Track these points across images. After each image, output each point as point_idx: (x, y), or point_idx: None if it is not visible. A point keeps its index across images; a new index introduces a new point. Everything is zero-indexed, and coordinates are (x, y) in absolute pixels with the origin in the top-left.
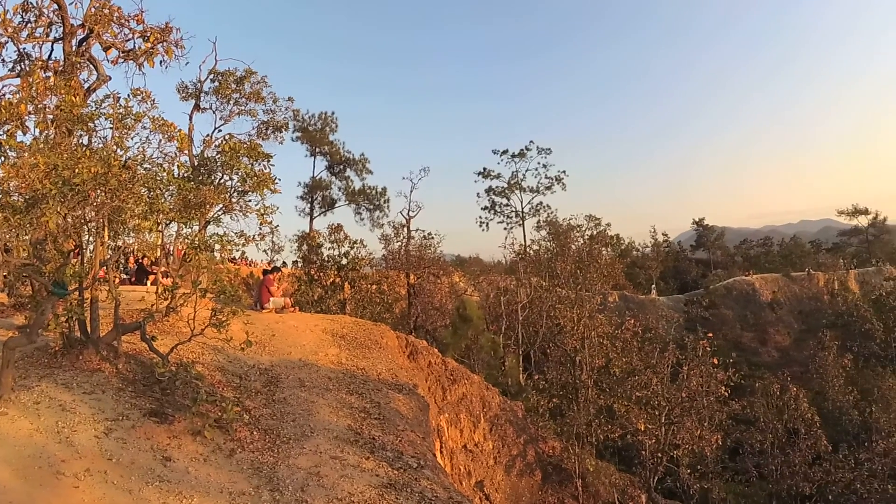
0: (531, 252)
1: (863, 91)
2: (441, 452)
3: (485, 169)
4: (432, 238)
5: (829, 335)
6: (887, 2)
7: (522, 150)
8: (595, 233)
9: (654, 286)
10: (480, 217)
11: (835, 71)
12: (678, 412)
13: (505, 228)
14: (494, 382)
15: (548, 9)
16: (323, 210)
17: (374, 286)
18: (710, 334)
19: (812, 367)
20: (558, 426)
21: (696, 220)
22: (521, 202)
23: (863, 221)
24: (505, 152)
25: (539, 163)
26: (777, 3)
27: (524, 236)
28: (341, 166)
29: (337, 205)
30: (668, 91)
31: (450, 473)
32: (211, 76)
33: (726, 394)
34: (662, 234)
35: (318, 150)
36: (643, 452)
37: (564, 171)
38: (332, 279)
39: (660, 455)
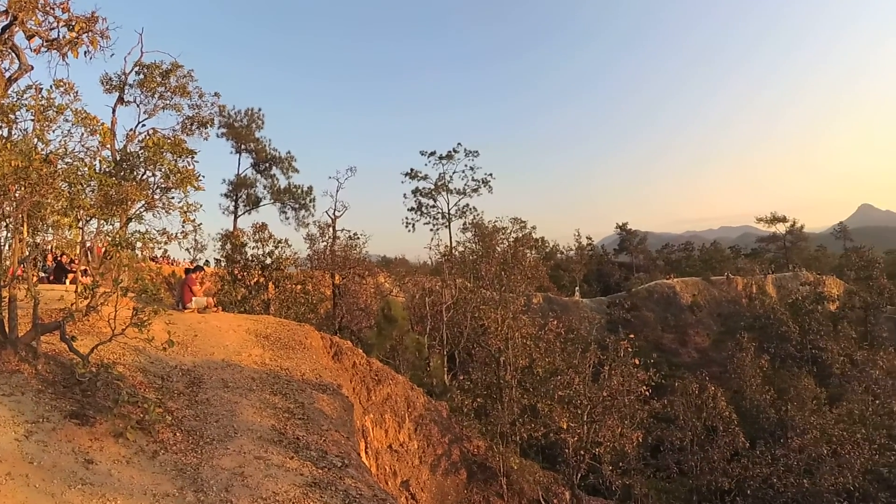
0: (457, 253)
1: (783, 106)
2: (366, 453)
3: (412, 170)
4: (358, 238)
5: (747, 337)
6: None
7: (450, 152)
8: (520, 235)
9: (577, 288)
10: (407, 218)
11: (767, 90)
12: (600, 411)
13: (431, 230)
14: (419, 383)
15: (494, 16)
16: (247, 208)
17: (299, 286)
18: (632, 335)
19: (730, 368)
20: (483, 425)
21: (620, 224)
22: (448, 204)
23: (781, 228)
24: (432, 154)
25: (466, 165)
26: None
27: (450, 238)
28: (267, 164)
29: (262, 203)
30: (596, 99)
31: (375, 474)
32: (136, 68)
33: (647, 393)
34: (587, 238)
35: (243, 147)
36: (566, 450)
37: (491, 174)
38: (256, 279)
39: (582, 452)
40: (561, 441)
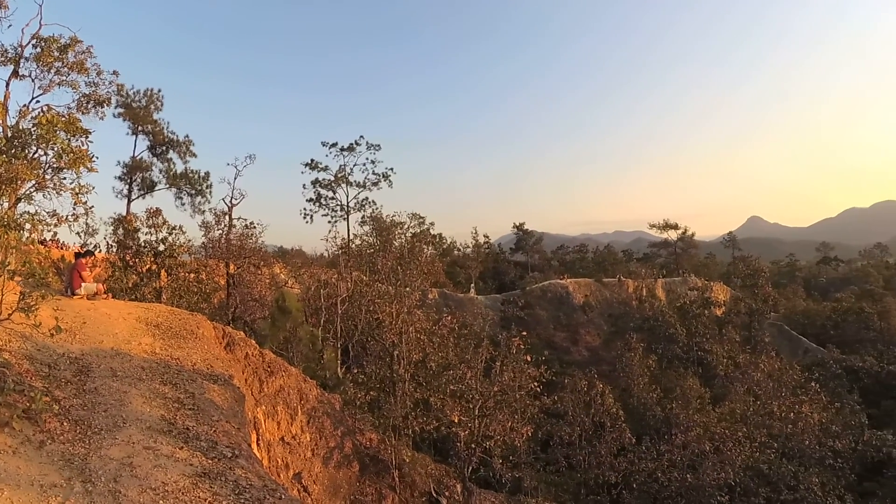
0: (354, 246)
1: (679, 119)
2: (258, 445)
3: (312, 160)
4: (254, 227)
5: (636, 337)
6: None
7: (352, 144)
8: (419, 230)
9: (473, 285)
10: (305, 209)
11: (656, 101)
12: (491, 405)
13: (329, 222)
14: (312, 375)
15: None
16: (142, 193)
17: (193, 275)
18: (525, 333)
19: (619, 367)
20: (376, 419)
21: (517, 224)
22: (347, 196)
23: (672, 235)
24: (334, 145)
25: (368, 158)
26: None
27: (348, 231)
28: (164, 147)
29: (157, 188)
30: (507, 101)
31: (267, 466)
32: (33, 41)
33: (539, 389)
34: (484, 236)
35: (140, 128)
36: (458, 444)
37: (392, 169)
38: (148, 266)
39: (474, 446)
40: (453, 435)
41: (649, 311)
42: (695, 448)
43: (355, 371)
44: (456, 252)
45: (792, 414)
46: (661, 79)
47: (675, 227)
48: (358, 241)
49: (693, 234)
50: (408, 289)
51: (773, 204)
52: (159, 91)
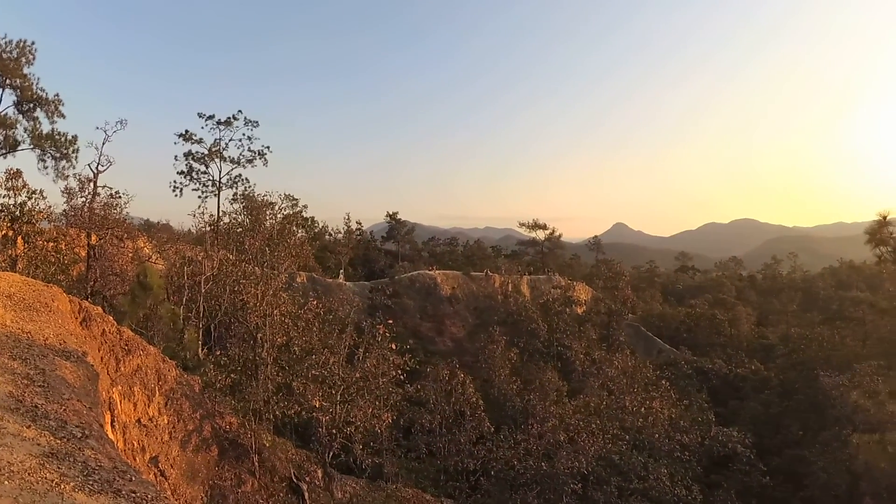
0: (223, 224)
1: (556, 128)
2: (112, 426)
3: (187, 131)
4: (120, 197)
5: (500, 331)
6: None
7: (230, 118)
8: (291, 213)
9: (342, 271)
10: (175, 182)
11: (537, 110)
12: (353, 391)
13: (199, 197)
14: (172, 355)
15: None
16: (3, 152)
17: (51, 244)
18: (391, 321)
19: (482, 358)
20: (236, 402)
21: (390, 213)
22: (220, 172)
23: (540, 235)
24: (211, 117)
25: (244, 134)
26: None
27: (218, 207)
28: (31, 105)
29: (20, 148)
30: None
31: (123, 449)
32: None
33: (403, 377)
34: (357, 223)
35: (8, 82)
36: (320, 429)
37: (268, 147)
38: (3, 232)
39: (335, 431)
40: (315, 420)
41: (514, 305)
42: (550, 438)
43: (218, 353)
44: (327, 237)
45: (643, 409)
46: (548, 89)
47: (544, 227)
48: (227, 219)
49: (560, 236)
50: (274, 271)
51: (638, 213)
52: (32, 44)
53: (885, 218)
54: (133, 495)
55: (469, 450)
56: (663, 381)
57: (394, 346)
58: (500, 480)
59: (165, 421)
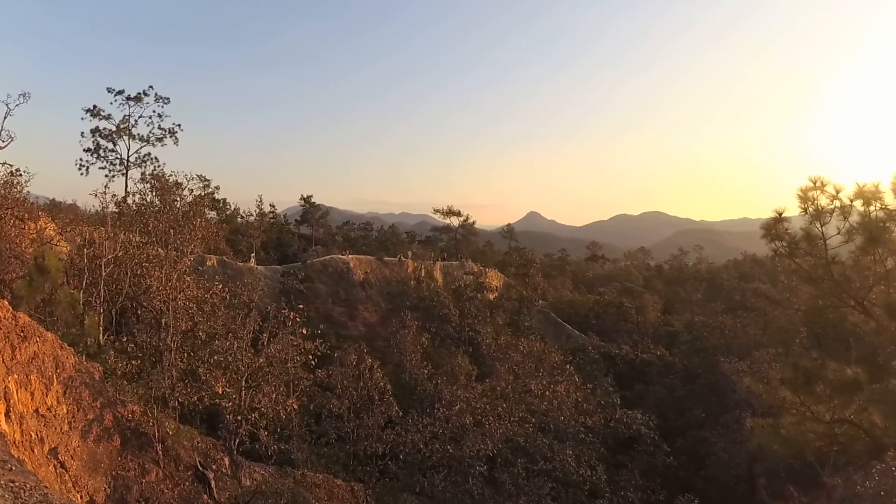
0: (130, 204)
1: (468, 116)
2: (8, 417)
3: (95, 107)
4: (21, 175)
5: (412, 316)
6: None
7: (140, 93)
8: (203, 194)
9: (254, 255)
10: (82, 160)
11: (447, 96)
12: (258, 377)
13: (107, 176)
14: (71, 342)
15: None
16: None
17: None
18: (302, 306)
19: (394, 343)
20: (138, 390)
21: (304, 196)
22: (129, 150)
23: (455, 222)
24: (120, 92)
25: (155, 111)
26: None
27: (126, 187)
28: None
29: None
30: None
31: (20, 440)
32: None
33: (314, 362)
34: (270, 206)
35: None
36: (226, 416)
37: (179, 125)
38: None
39: (240, 418)
40: (221, 407)
41: (426, 291)
42: (457, 422)
43: (124, 339)
44: (239, 219)
45: (548, 392)
46: (456, 76)
47: (458, 214)
48: (133, 199)
49: (474, 223)
50: (179, 253)
51: (551, 203)
52: None
53: (780, 214)
54: (11, 485)
55: (378, 434)
56: (568, 366)
57: (305, 331)
58: (408, 464)
59: (64, 410)
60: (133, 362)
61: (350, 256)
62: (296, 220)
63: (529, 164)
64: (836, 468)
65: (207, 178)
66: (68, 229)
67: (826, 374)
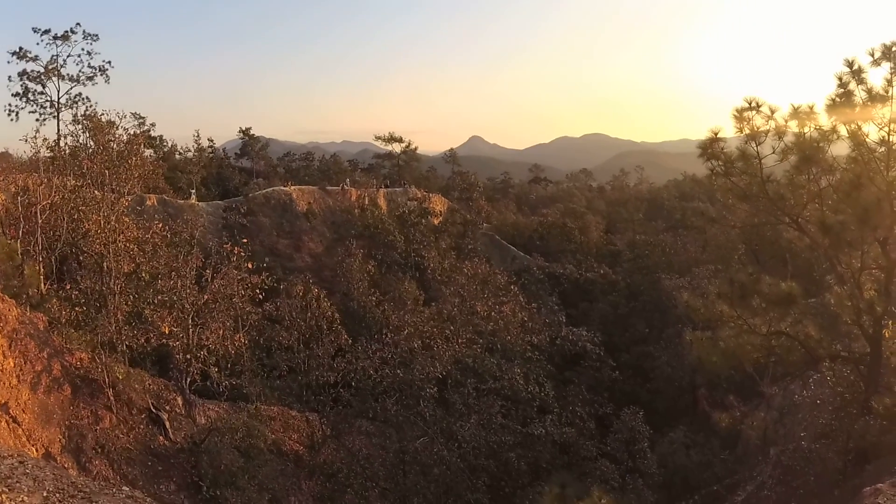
0: (64, 147)
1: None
2: None
3: (21, 49)
4: None
5: (357, 244)
6: None
7: (67, 32)
8: (138, 132)
9: (194, 191)
10: (10, 105)
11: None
12: (204, 314)
13: (37, 120)
14: (13, 294)
15: None
16: None
17: None
18: (246, 240)
19: (340, 272)
20: (85, 336)
21: (243, 129)
22: (59, 91)
23: (397, 148)
24: (47, 32)
25: (84, 49)
26: None
27: (58, 130)
28: None
29: None
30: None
31: None
32: None
33: (261, 296)
34: (208, 140)
35: None
36: (176, 355)
37: (110, 62)
38: None
39: (189, 357)
40: (170, 347)
41: (371, 219)
42: (405, 346)
43: (67, 286)
44: (177, 156)
45: (494, 313)
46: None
47: (400, 140)
48: (66, 142)
49: (416, 149)
50: (117, 194)
51: (493, 128)
52: None
53: (716, 134)
54: None
55: (328, 363)
56: (513, 287)
57: (250, 266)
58: (360, 390)
59: (11, 364)
60: (77, 309)
61: (292, 188)
62: (235, 154)
63: (471, 87)
64: (774, 379)
65: (142, 115)
66: (1, 178)
67: (761, 288)
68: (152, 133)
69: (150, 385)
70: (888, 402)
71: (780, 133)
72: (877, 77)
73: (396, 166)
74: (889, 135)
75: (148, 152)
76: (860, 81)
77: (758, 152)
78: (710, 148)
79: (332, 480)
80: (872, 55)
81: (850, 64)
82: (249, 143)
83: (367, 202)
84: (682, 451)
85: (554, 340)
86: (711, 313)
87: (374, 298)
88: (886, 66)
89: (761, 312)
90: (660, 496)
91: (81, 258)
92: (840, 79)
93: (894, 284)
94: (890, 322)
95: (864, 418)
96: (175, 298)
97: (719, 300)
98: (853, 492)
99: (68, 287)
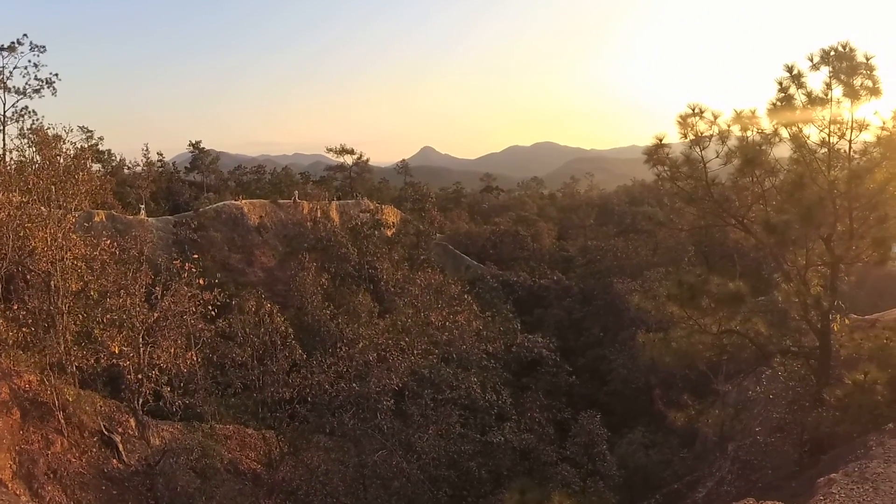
0: (9, 162)
1: (359, 48)
2: None
3: None
4: None
5: (310, 257)
6: None
7: (13, 43)
8: (86, 146)
9: (143, 207)
10: None
11: (338, 26)
12: (155, 332)
13: None
14: None
15: None
16: None
17: None
18: (197, 255)
19: (293, 286)
20: (33, 357)
21: (193, 142)
22: (4, 105)
23: (349, 160)
24: None
25: (30, 61)
26: None
27: (2, 144)
28: None
29: None
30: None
31: None
32: None
33: (213, 312)
34: (157, 154)
35: None
36: (128, 376)
37: (57, 74)
38: None
39: (141, 377)
40: (121, 367)
41: (323, 231)
42: (360, 359)
43: (14, 307)
44: (126, 170)
45: (448, 323)
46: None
47: (352, 152)
48: (12, 157)
49: (368, 160)
50: (63, 210)
51: (445, 137)
52: None
53: (661, 140)
54: None
55: (284, 379)
56: (467, 296)
57: (201, 282)
58: (316, 405)
59: None
60: (24, 330)
61: (244, 201)
62: (185, 168)
63: (422, 99)
64: (728, 376)
65: (90, 128)
66: None
67: (710, 288)
68: (100, 147)
69: (101, 407)
70: (839, 394)
71: (723, 137)
72: (816, 81)
73: (349, 178)
74: (829, 136)
75: (96, 167)
76: (800, 86)
77: (702, 156)
78: (656, 154)
79: (292, 498)
80: (812, 60)
81: (790, 69)
82: (200, 156)
83: (319, 215)
84: (641, 451)
85: (510, 348)
86: (662, 314)
87: (328, 312)
88: (825, 70)
89: (711, 312)
90: (621, 497)
91: (28, 277)
92: (781, 83)
93: (840, 280)
94: (838, 316)
95: (816, 410)
96: (125, 317)
97: (669, 302)
98: (810, 482)
99: (15, 307)
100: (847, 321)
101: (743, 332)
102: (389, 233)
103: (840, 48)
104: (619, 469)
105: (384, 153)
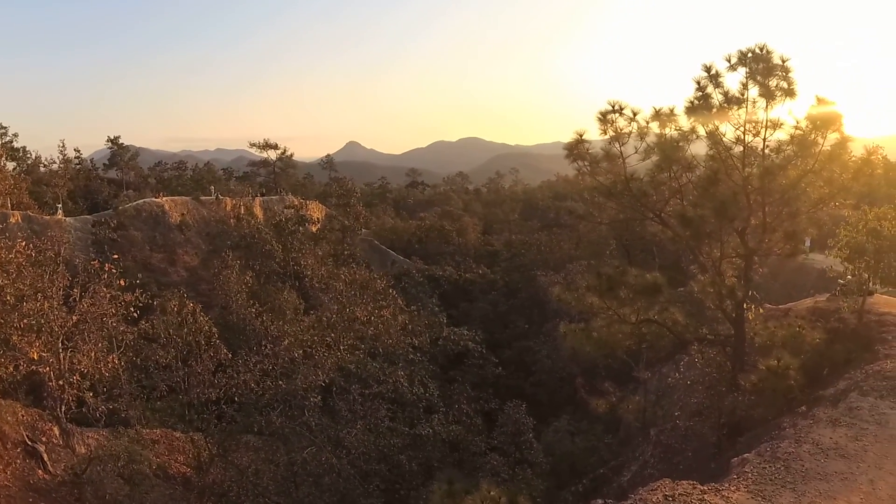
0: None
1: (288, 44)
2: None
3: None
4: None
5: (234, 255)
6: None
7: None
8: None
9: (60, 206)
10: None
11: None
12: (74, 336)
13: None
14: None
15: None
16: None
17: None
18: (117, 255)
19: (217, 285)
20: None
21: (111, 138)
22: None
23: (272, 155)
24: None
25: None
26: None
27: None
28: None
29: None
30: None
31: None
32: None
33: (136, 314)
34: (75, 151)
35: None
36: (49, 383)
37: None
38: None
39: (62, 383)
40: (41, 374)
41: (247, 228)
42: (286, 356)
43: None
44: (42, 169)
45: (374, 318)
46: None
47: (276, 147)
48: None
49: (292, 155)
50: None
51: (370, 132)
52: None
53: (581, 136)
54: None
55: (209, 379)
56: (391, 290)
57: (122, 283)
58: (244, 405)
59: None
60: None
61: (165, 199)
62: (104, 165)
63: (347, 93)
64: (648, 364)
65: (3, 125)
66: None
67: (628, 279)
68: (14, 144)
69: (23, 416)
70: (754, 379)
71: (642, 134)
72: (733, 81)
73: (272, 174)
74: (745, 134)
75: (10, 165)
76: (717, 85)
77: (621, 152)
78: (576, 149)
79: (223, 500)
80: (729, 61)
81: (708, 69)
82: (118, 152)
83: (242, 211)
84: (567, 438)
85: (436, 341)
86: (583, 305)
87: (253, 310)
88: (742, 70)
89: (629, 302)
90: (549, 483)
91: None
92: (699, 83)
93: (754, 271)
94: (752, 305)
95: (733, 395)
96: (42, 321)
97: (589, 293)
98: (727, 463)
99: None
100: (761, 310)
101: (661, 321)
102: (314, 229)
103: (757, 50)
104: (546, 457)
105: (308, 148)
